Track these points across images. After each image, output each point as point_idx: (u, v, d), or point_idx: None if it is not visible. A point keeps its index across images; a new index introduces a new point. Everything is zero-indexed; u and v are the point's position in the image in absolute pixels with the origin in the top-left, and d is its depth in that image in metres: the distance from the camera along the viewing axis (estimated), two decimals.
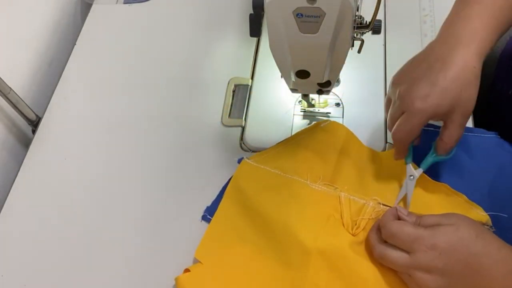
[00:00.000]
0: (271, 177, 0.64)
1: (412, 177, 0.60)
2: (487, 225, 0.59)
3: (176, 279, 0.58)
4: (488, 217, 0.59)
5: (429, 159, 0.59)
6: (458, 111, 0.53)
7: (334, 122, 0.68)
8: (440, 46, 0.56)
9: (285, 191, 0.63)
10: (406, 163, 0.61)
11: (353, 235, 0.59)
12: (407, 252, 0.52)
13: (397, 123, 0.56)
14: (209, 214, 0.64)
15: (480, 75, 0.54)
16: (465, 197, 0.59)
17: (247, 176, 0.65)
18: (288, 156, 0.66)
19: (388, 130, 0.59)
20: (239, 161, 0.67)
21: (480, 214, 0.59)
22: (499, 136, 0.64)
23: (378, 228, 0.56)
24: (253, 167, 0.66)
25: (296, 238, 0.58)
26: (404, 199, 0.61)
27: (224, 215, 0.63)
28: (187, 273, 0.59)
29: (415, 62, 0.57)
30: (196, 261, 0.60)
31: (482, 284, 0.49)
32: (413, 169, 0.60)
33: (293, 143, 0.67)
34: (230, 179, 0.66)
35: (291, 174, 0.64)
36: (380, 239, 0.55)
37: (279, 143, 0.68)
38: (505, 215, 0.59)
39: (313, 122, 0.70)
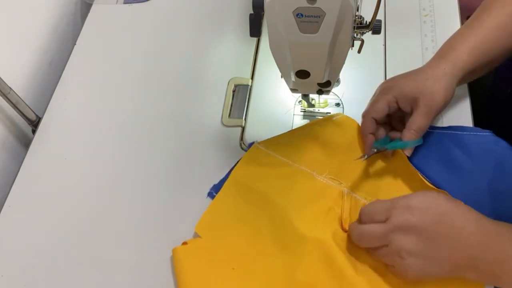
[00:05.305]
0: (278, 164, 0.66)
1: (375, 150, 0.63)
2: None
3: (173, 250, 0.60)
4: None
5: (395, 144, 0.62)
6: (422, 98, 0.60)
7: (345, 116, 0.68)
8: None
9: (291, 179, 0.64)
10: (373, 147, 0.63)
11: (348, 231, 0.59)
12: (383, 222, 0.53)
13: None
14: (215, 191, 0.65)
15: (451, 81, 0.61)
16: (461, 202, 0.59)
17: (255, 160, 0.66)
18: (297, 146, 0.67)
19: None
20: (250, 145, 0.68)
21: None
22: (494, 134, 0.65)
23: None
24: (262, 152, 0.67)
25: (295, 225, 0.59)
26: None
27: (228, 194, 0.64)
28: (184, 245, 0.60)
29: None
30: (196, 235, 0.61)
31: (454, 244, 0.51)
32: (376, 149, 0.63)
33: (304, 133, 0.68)
34: (238, 161, 0.67)
35: (299, 163, 0.65)
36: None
37: (290, 130, 0.69)
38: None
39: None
